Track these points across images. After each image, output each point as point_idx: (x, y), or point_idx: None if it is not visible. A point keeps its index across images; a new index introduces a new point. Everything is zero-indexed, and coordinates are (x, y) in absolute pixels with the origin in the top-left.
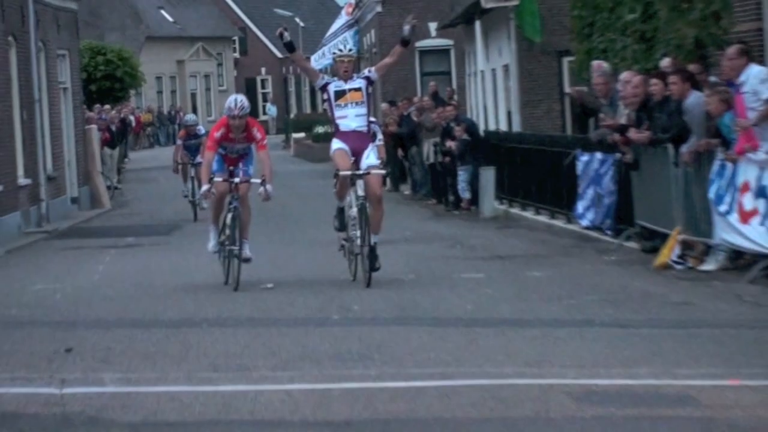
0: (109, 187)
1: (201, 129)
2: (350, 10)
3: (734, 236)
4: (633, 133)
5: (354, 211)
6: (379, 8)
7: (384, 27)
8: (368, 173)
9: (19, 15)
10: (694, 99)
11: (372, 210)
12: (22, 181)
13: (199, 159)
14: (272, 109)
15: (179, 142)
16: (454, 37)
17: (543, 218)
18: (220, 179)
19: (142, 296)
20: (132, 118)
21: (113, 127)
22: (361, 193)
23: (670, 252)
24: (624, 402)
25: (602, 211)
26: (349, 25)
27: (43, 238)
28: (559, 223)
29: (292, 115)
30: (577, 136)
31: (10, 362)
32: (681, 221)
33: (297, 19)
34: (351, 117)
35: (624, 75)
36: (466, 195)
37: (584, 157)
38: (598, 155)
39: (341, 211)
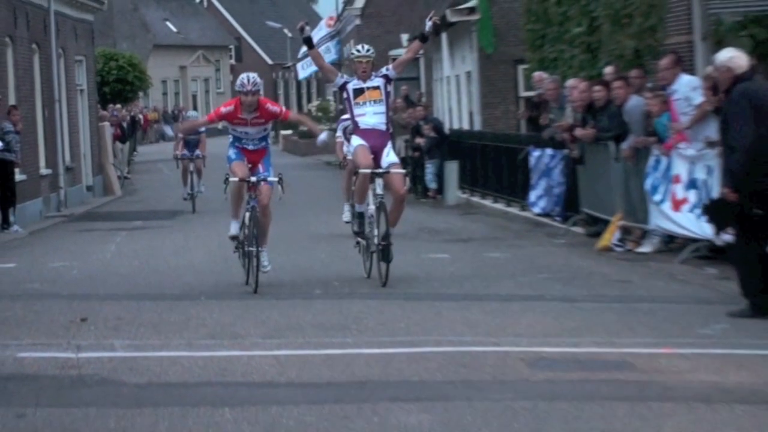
0: (119, 177)
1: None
2: (331, 22)
3: (667, 222)
4: (579, 132)
5: (372, 209)
6: (358, 21)
7: (362, 37)
8: (388, 172)
9: (42, 25)
10: (634, 102)
11: (393, 207)
12: (44, 171)
13: (197, 153)
14: None
15: (180, 135)
16: (423, 46)
17: (500, 206)
18: (238, 162)
19: (148, 273)
20: (140, 116)
21: (124, 124)
22: (379, 191)
23: (611, 236)
24: (570, 367)
25: (552, 200)
26: (331, 36)
27: (62, 222)
28: (514, 210)
29: None
30: (530, 134)
31: (31, 330)
32: (621, 209)
33: (285, 30)
34: (370, 114)
35: (571, 81)
36: (432, 185)
37: (536, 153)
38: (549, 151)
39: (361, 216)
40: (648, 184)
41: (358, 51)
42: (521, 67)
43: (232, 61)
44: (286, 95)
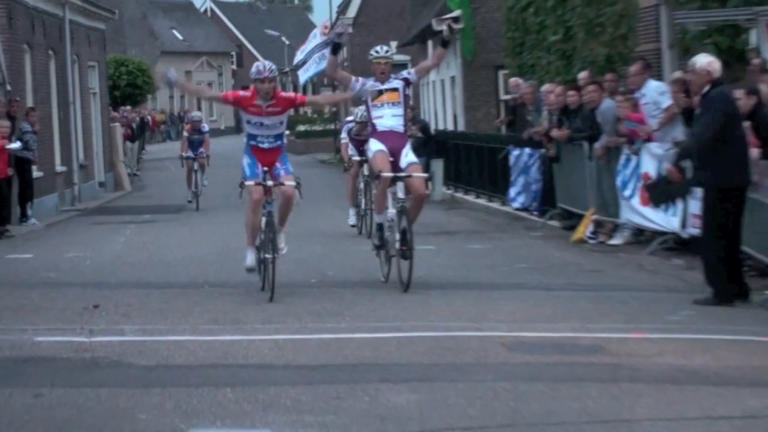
0: (129, 174)
1: (205, 126)
2: (326, 30)
3: (637, 217)
4: (555, 133)
5: (392, 212)
6: (350, 29)
7: (354, 45)
8: (410, 176)
9: (58, 33)
10: (607, 105)
11: (413, 206)
12: (59, 168)
13: (201, 151)
14: None
15: (185, 134)
16: (411, 53)
17: (482, 201)
18: (254, 183)
19: (156, 263)
20: (149, 117)
21: (133, 125)
22: (401, 195)
23: (585, 229)
24: (547, 350)
25: (530, 196)
26: (326, 44)
27: (76, 215)
28: (495, 205)
29: None
30: (510, 134)
31: (48, 316)
32: (594, 204)
33: (283, 38)
34: (387, 117)
35: (546, 86)
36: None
37: (516, 152)
38: (527, 150)
39: (381, 228)
40: (619, 180)
41: (377, 52)
42: (501, 73)
43: (234, 67)
44: None
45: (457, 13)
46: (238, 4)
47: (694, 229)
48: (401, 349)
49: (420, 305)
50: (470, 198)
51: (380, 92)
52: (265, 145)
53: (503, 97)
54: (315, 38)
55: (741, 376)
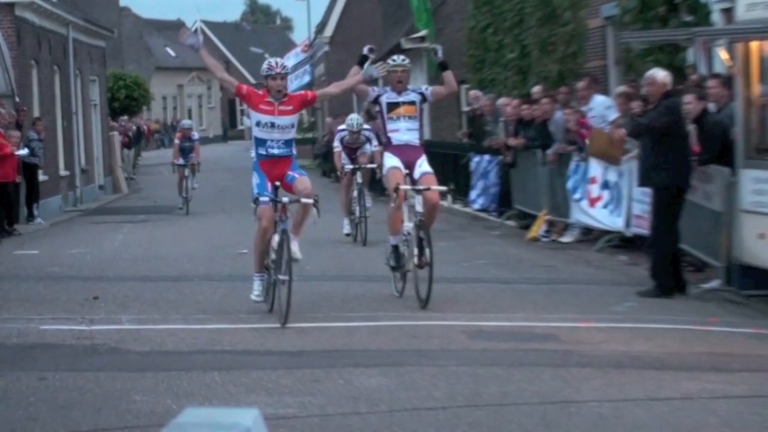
0: (126, 178)
1: (195, 134)
2: (305, 48)
3: (585, 217)
4: (512, 141)
5: (410, 226)
6: (327, 48)
7: (331, 62)
8: (429, 189)
9: (62, 50)
10: (558, 116)
11: (426, 213)
12: (63, 172)
13: (192, 156)
14: (247, 121)
15: (176, 142)
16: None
17: (445, 203)
18: (265, 201)
19: (150, 258)
20: (144, 126)
21: (130, 133)
22: (419, 208)
23: (538, 228)
24: (504, 338)
25: (489, 198)
26: (306, 61)
27: (78, 215)
28: (457, 206)
29: None
30: (471, 143)
31: (52, 307)
32: (547, 206)
33: (266, 55)
34: (403, 131)
35: (502, 100)
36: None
37: (476, 158)
38: (486, 157)
39: (396, 249)
40: (569, 184)
41: (394, 60)
42: (464, 87)
43: None
44: None
45: (423, 32)
46: (225, 24)
47: (637, 229)
48: (372, 336)
49: (390, 297)
50: None
51: (396, 105)
52: (275, 152)
53: (464, 108)
54: (297, 56)
55: (679, 361)
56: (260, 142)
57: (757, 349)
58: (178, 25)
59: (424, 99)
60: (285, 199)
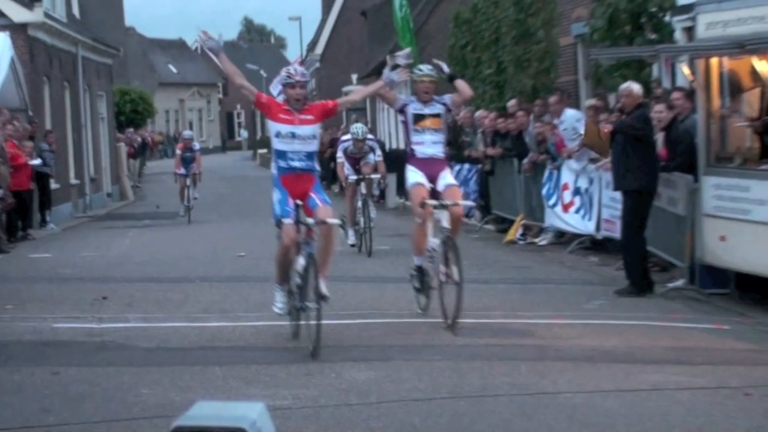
0: (132, 186)
1: (196, 145)
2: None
3: (559, 221)
4: (490, 150)
5: (436, 242)
6: (317, 64)
7: (321, 78)
8: (456, 204)
9: (72, 67)
10: (532, 128)
11: (453, 227)
12: (73, 181)
13: (193, 166)
14: (244, 133)
15: (178, 152)
16: (368, 83)
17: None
18: (289, 222)
19: (155, 261)
20: (149, 138)
21: (135, 145)
22: (446, 224)
23: (515, 232)
24: (484, 334)
25: (469, 204)
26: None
27: (87, 221)
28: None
29: (258, 137)
30: (451, 152)
31: (64, 306)
32: (523, 210)
33: (261, 72)
34: (428, 144)
35: (480, 112)
36: (376, 192)
37: (457, 167)
38: (467, 165)
39: (421, 269)
40: (544, 191)
41: (420, 70)
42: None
43: (220, 96)
44: (262, 121)
45: (407, 50)
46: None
47: (606, 232)
48: (362, 333)
49: (378, 296)
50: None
51: (422, 116)
52: (297, 164)
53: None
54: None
55: (646, 355)
56: (281, 155)
57: (718, 343)
58: (179, 45)
59: (448, 110)
60: (310, 221)
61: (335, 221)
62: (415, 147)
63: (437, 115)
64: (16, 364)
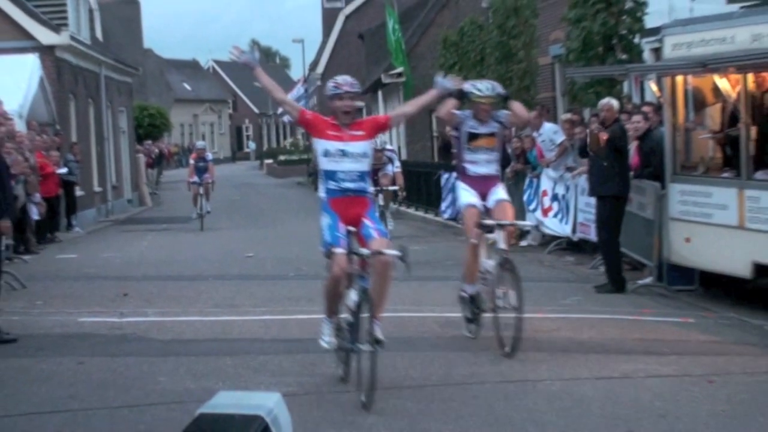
0: (150, 193)
1: (209, 155)
2: (301, 83)
3: (539, 225)
4: None
5: (491, 264)
6: (318, 82)
7: (322, 94)
8: (513, 224)
9: (95, 85)
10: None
11: (506, 242)
12: (96, 188)
13: (206, 176)
14: (252, 145)
15: (191, 162)
16: (366, 100)
17: (420, 213)
18: (342, 252)
19: (171, 261)
20: (165, 150)
21: (153, 155)
22: (502, 245)
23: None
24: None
25: (456, 209)
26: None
27: (110, 225)
28: (430, 216)
29: (264, 148)
30: (441, 162)
31: (88, 302)
32: None
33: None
34: (482, 163)
35: None
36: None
37: (446, 175)
38: (455, 173)
39: (474, 300)
40: (525, 197)
41: (479, 91)
42: (434, 115)
43: (230, 111)
44: (268, 134)
45: (400, 69)
46: (233, 63)
47: (581, 234)
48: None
49: None
50: (411, 210)
51: (476, 136)
52: (349, 185)
53: (435, 134)
54: (299, 90)
55: (618, 346)
56: (330, 175)
57: (684, 335)
58: (193, 65)
59: (504, 126)
60: (365, 251)
61: (394, 252)
62: (467, 165)
63: (492, 134)
64: (44, 354)
